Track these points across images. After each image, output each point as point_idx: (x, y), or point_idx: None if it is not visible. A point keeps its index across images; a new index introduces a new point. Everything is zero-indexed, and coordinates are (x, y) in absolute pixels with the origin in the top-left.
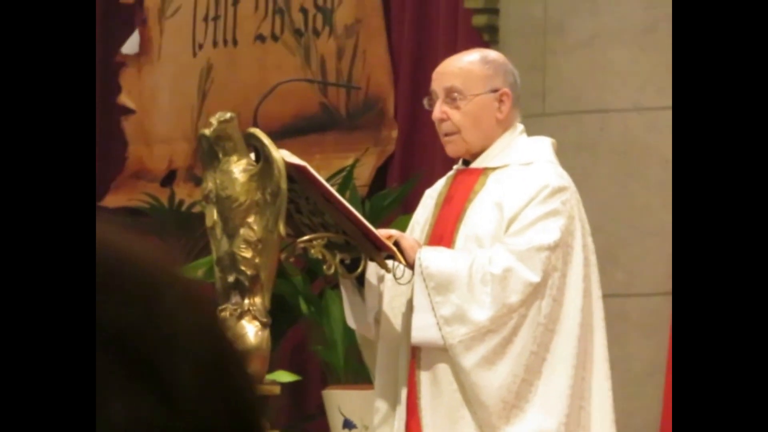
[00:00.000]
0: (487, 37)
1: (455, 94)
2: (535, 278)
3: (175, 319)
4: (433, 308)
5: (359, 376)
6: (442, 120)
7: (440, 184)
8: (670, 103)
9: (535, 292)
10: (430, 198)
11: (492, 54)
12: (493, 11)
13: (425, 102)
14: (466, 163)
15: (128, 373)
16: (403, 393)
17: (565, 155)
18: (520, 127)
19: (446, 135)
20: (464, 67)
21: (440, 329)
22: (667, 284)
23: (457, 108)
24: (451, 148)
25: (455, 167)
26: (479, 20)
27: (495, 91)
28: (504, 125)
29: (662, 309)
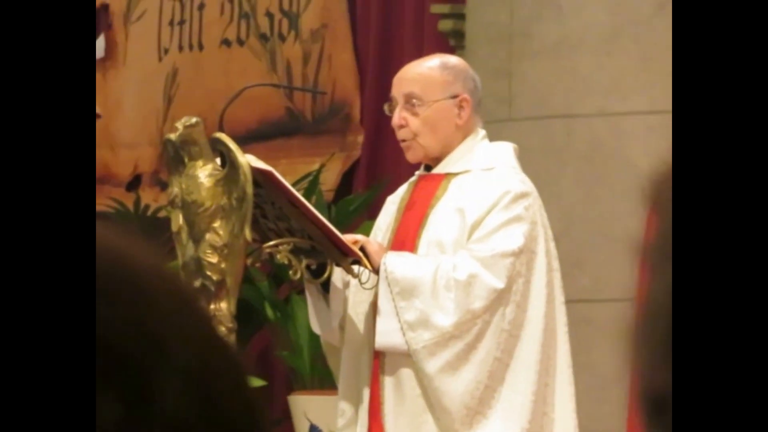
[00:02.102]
0: (453, 42)
1: (414, 100)
2: (500, 284)
3: (167, 325)
4: (397, 313)
5: (325, 381)
6: (400, 126)
7: (402, 190)
8: (635, 108)
9: (499, 298)
10: (393, 204)
11: (452, 59)
12: (459, 16)
13: (386, 108)
14: (428, 168)
15: (114, 378)
16: (367, 397)
17: (530, 161)
18: (481, 132)
19: (404, 141)
20: (424, 73)
21: (404, 334)
22: (633, 290)
23: (416, 114)
24: (410, 154)
25: (417, 173)
26: (445, 25)
27: (454, 97)
28: (464, 131)
29: (628, 315)
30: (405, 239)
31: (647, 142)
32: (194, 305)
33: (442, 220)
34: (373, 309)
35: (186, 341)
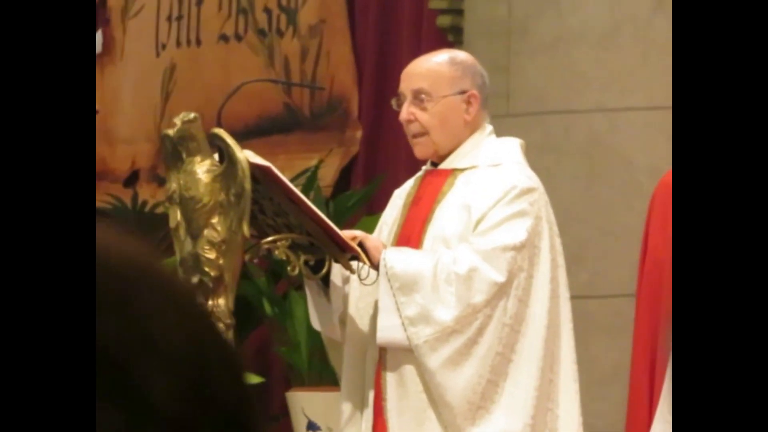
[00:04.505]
0: (451, 37)
1: (423, 96)
2: (500, 278)
3: (153, 321)
4: (398, 309)
5: (323, 377)
6: (409, 121)
7: (409, 185)
8: (634, 104)
9: (500, 292)
10: (399, 198)
11: (461, 55)
12: (458, 12)
13: (393, 103)
14: (434, 164)
15: (101, 380)
16: (370, 394)
17: (529, 156)
18: (488, 128)
19: (414, 136)
20: (432, 68)
21: (405, 330)
22: (631, 286)
23: (425, 109)
24: (420, 149)
25: (424, 168)
26: (444, 21)
27: (463, 92)
28: (472, 126)
29: (626, 310)
30: (411, 234)
31: (645, 138)
32: (186, 299)
33: (448, 215)
34: (376, 305)
35: (176, 336)
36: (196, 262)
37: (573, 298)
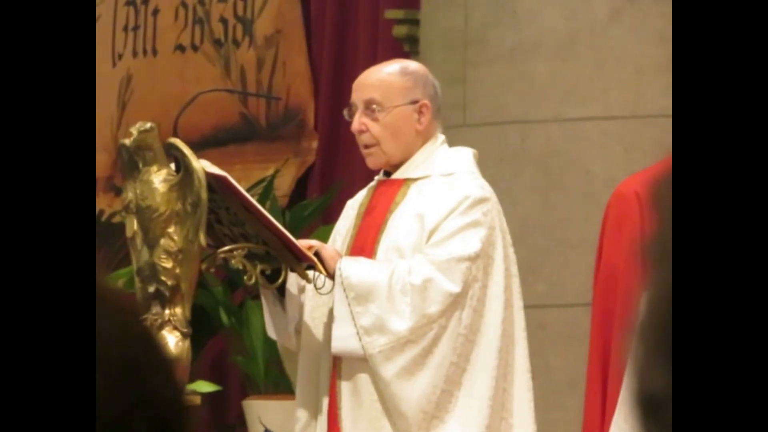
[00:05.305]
0: (407, 47)
1: (374, 106)
2: (455, 289)
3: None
4: (353, 318)
5: (279, 386)
6: (361, 132)
7: (362, 195)
8: (591, 114)
9: (455, 302)
10: (352, 209)
11: (412, 65)
12: (414, 22)
13: (345, 113)
14: (387, 174)
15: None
16: (324, 403)
17: (486, 167)
18: (441, 137)
19: (366, 147)
20: (384, 78)
21: (360, 339)
22: (588, 295)
23: (376, 120)
24: (371, 160)
25: (377, 178)
26: (400, 31)
27: (414, 102)
28: (424, 136)
29: (583, 320)
30: (364, 244)
31: (603, 147)
32: (126, 317)
33: (402, 225)
34: (330, 314)
35: (116, 351)
36: (152, 271)
37: (530, 307)
